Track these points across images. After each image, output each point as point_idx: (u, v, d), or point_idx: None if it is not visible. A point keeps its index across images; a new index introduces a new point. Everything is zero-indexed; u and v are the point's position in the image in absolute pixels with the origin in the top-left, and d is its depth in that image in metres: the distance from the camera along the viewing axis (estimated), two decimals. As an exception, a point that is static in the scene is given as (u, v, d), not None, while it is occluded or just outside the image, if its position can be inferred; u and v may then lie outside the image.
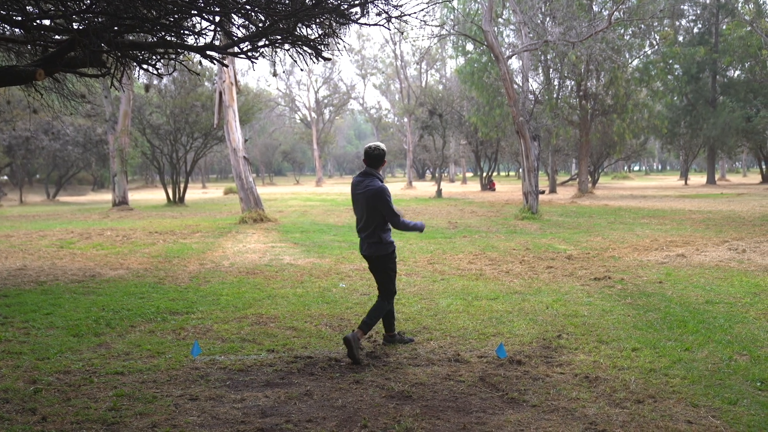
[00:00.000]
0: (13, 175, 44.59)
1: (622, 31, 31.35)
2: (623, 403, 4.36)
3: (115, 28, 4.94)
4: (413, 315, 7.00)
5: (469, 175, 74.34)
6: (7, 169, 41.60)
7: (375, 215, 5.59)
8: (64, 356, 5.56)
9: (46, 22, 4.96)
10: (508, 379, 4.90)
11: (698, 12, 46.20)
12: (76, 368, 5.21)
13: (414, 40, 51.26)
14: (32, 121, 32.90)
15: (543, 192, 33.53)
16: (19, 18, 4.41)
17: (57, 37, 5.12)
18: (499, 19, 32.10)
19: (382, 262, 5.67)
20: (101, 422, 4.08)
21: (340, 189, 51.20)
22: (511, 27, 33.28)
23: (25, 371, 5.12)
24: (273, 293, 8.26)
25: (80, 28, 4.85)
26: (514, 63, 32.80)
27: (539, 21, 25.85)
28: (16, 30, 5.62)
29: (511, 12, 30.05)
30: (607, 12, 25.96)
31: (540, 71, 34.90)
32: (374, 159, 5.66)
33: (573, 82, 34.67)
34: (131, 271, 10.27)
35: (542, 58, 33.57)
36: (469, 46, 34.18)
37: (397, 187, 54.41)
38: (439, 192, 35.40)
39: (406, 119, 57.16)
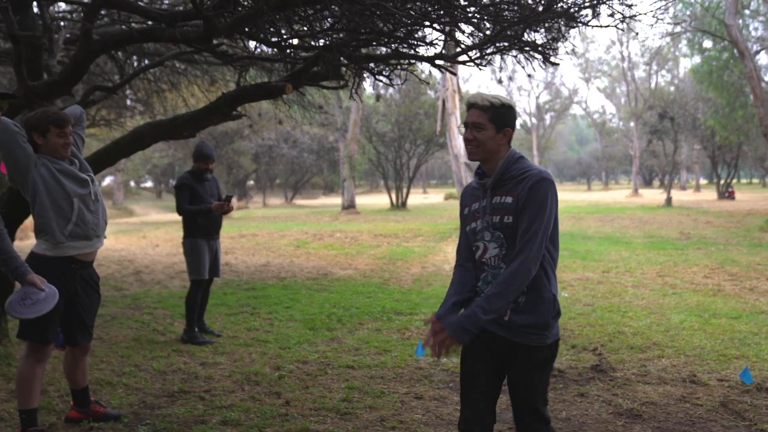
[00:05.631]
0: (258, 180, 49.51)
1: None
2: None
3: (353, 43, 5.28)
4: (642, 330, 6.60)
5: (703, 182, 68.32)
6: (254, 174, 46.24)
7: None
8: (302, 347, 6.04)
9: (294, 41, 5.45)
10: (756, 407, 4.42)
11: None
12: (313, 359, 5.64)
13: (644, 40, 48.39)
14: (275, 131, 36.25)
15: (795, 202, 29.81)
16: (274, 39, 4.90)
17: (303, 54, 5.60)
18: (745, 11, 29.12)
19: (542, 360, 2.74)
20: (335, 411, 4.38)
21: (560, 196, 49.52)
22: (761, 18, 30.04)
23: (270, 358, 5.66)
24: (493, 299, 8.25)
25: (324, 44, 5.26)
26: (763, 58, 29.60)
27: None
28: (269, 50, 6.25)
29: (760, 2, 27.18)
30: None
31: (794, 66, 31.09)
32: (505, 116, 2.78)
33: (836, 78, 30.38)
34: (359, 271, 10.89)
35: (797, 51, 29.86)
36: (707, 43, 31.39)
37: (620, 194, 51.66)
38: (668, 200, 33.00)
39: (632, 123, 54.12)
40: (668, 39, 40.38)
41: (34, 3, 5.40)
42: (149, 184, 59.24)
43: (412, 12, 4.86)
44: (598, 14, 5.92)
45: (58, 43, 5.55)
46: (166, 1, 7.98)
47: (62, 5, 7.91)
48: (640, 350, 5.86)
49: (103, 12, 6.32)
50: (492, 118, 2.76)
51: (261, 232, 18.46)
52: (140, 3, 6.35)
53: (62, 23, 6.57)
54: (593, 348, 5.92)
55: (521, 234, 2.66)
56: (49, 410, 4.32)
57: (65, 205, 3.79)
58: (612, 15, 5.92)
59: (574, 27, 6.05)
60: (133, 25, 6.13)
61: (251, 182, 50.73)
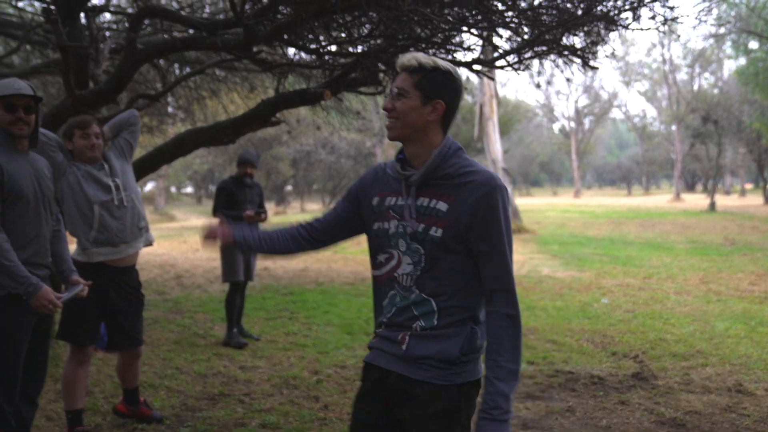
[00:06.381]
0: (296, 186, 49.89)
1: None
2: None
3: (391, 48, 5.30)
4: (685, 337, 6.48)
5: (748, 186, 66.61)
6: (292, 180, 46.64)
7: (458, 259, 2.04)
8: (340, 352, 6.07)
9: (333, 47, 5.49)
10: (805, 419, 4.30)
11: None
12: (351, 363, 5.66)
13: (686, 42, 47.46)
14: (314, 137, 36.51)
15: None
16: (313, 46, 4.96)
17: (341, 60, 5.64)
18: (792, 11, 28.37)
19: (446, 407, 2.05)
20: (373, 416, 4.39)
21: (600, 200, 49.12)
22: (807, 19, 29.24)
23: (308, 362, 5.70)
24: (532, 305, 8.19)
25: (362, 50, 5.30)
26: (810, 59, 28.67)
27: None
28: (307, 57, 6.32)
29: (806, 2, 26.46)
30: None
31: (844, 67, 30.14)
32: (438, 83, 2.05)
33: None
34: (396, 276, 10.89)
35: None
36: (753, 44, 30.66)
37: (662, 199, 50.70)
38: (712, 205, 32.29)
39: (674, 127, 53.12)
40: (712, 41, 39.64)
41: (82, 14, 5.55)
42: (189, 189, 60.18)
43: (449, 17, 4.87)
44: (639, 17, 5.84)
45: (104, 52, 5.69)
46: (207, 10, 8.13)
47: (107, 16, 8.11)
48: (683, 358, 5.76)
49: (146, 22, 6.46)
50: (418, 84, 2.02)
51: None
52: (182, 13, 6.48)
53: (107, 33, 6.74)
54: (634, 355, 5.83)
55: (487, 258, 2.00)
56: (94, 411, 4.42)
57: (87, 211, 3.86)
58: (653, 17, 5.83)
59: (613, 30, 5.98)
60: (175, 34, 6.26)
61: (289, 187, 51.15)
